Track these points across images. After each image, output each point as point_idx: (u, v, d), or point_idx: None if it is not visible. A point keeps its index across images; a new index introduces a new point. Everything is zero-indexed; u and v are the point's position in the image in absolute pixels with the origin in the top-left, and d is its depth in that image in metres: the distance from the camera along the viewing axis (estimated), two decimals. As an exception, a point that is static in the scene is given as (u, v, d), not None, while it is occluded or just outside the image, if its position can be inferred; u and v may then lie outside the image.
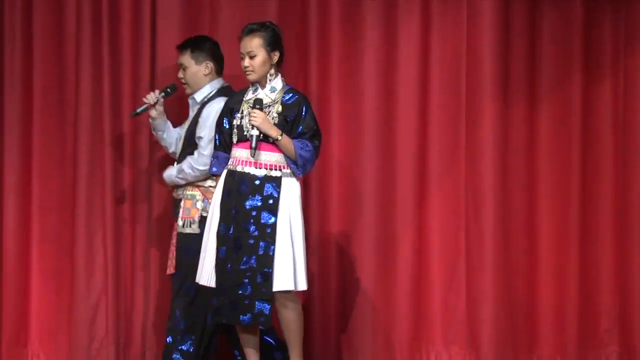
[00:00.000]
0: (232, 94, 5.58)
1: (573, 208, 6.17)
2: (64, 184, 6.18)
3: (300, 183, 5.48)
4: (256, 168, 5.38)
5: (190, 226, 5.66)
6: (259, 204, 5.35)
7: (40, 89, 6.14)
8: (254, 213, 5.33)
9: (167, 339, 5.71)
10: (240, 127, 5.41)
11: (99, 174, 6.14)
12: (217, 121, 5.55)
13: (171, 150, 5.90)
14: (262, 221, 5.33)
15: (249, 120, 5.36)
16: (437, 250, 6.15)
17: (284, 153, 5.36)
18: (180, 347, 5.67)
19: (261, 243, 5.31)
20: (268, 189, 5.36)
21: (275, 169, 5.39)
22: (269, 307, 5.31)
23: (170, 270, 5.71)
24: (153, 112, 5.79)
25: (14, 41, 6.09)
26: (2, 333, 6.08)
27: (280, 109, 5.40)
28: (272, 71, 5.44)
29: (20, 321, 6.13)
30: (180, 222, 5.68)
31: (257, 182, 5.36)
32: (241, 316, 5.33)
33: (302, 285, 5.38)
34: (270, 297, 5.31)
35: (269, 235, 5.31)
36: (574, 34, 6.18)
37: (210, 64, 5.77)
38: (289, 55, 5.72)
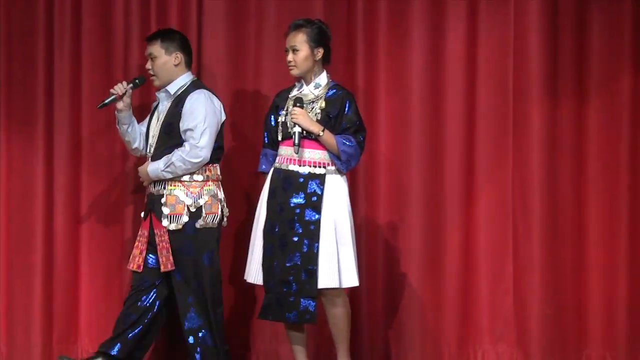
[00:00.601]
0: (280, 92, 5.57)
1: (622, 206, 6.08)
2: (112, 184, 6.22)
3: (346, 180, 5.48)
4: (300, 166, 5.40)
5: (179, 222, 5.56)
6: (303, 201, 5.37)
7: (89, 90, 6.18)
8: (297, 211, 5.35)
9: (189, 340, 5.58)
10: (284, 125, 5.44)
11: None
12: (265, 119, 5.59)
13: (134, 145, 5.78)
14: (306, 219, 5.34)
15: (290, 118, 5.38)
16: (485, 248, 6.10)
17: (327, 150, 5.36)
18: (205, 343, 5.59)
19: (305, 241, 5.33)
20: (312, 186, 5.38)
21: (319, 166, 5.40)
22: (314, 304, 5.33)
23: (168, 267, 5.55)
24: (120, 104, 5.66)
25: (63, 46, 6.15)
26: (53, 330, 6.14)
27: (323, 104, 5.41)
28: (317, 67, 5.45)
29: (70, 319, 6.19)
30: (166, 220, 5.54)
31: (301, 179, 5.38)
32: (287, 314, 5.37)
33: (350, 282, 5.39)
34: (315, 294, 5.33)
35: (312, 232, 5.32)
36: (623, 29, 6.09)
37: (180, 55, 5.66)
38: (336, 52, 5.74)
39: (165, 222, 5.54)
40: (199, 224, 5.55)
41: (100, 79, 6.21)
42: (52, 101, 6.20)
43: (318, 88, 5.46)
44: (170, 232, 5.54)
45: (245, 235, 5.86)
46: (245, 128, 6.20)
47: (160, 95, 5.69)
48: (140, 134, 5.76)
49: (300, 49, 5.41)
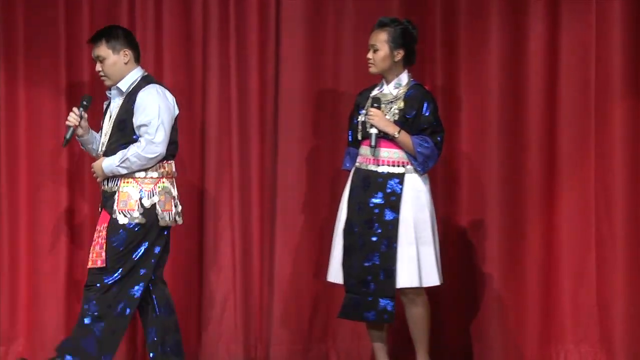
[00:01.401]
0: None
1: None
2: (193, 184, 6.28)
3: (427, 179, 5.49)
4: (379, 165, 5.44)
5: (129, 216, 5.48)
6: (382, 201, 5.40)
7: (172, 81, 6.18)
8: (376, 210, 5.38)
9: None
10: (364, 124, 5.49)
11: (226, 176, 6.24)
12: (349, 117, 5.62)
13: (95, 154, 5.71)
14: (385, 218, 5.38)
15: (367, 119, 5.40)
16: (567, 246, 6.04)
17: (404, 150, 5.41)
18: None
19: (384, 241, 5.37)
20: (390, 186, 5.41)
21: (398, 166, 5.42)
22: (392, 304, 5.37)
23: (97, 263, 5.45)
24: (80, 131, 5.60)
25: (146, 50, 6.17)
26: (137, 328, 6.08)
27: (401, 105, 5.44)
28: (397, 68, 5.46)
29: None
30: (116, 215, 5.46)
31: (380, 179, 5.42)
32: (365, 313, 5.42)
33: (431, 281, 5.43)
34: (394, 294, 5.37)
35: (391, 232, 5.37)
36: None
37: (129, 52, 5.58)
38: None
39: (118, 217, 5.44)
40: (151, 221, 5.48)
41: (181, 80, 6.26)
42: None
43: (398, 88, 5.48)
44: (111, 226, 5.45)
45: (328, 233, 5.90)
46: (325, 126, 6.23)
47: (112, 93, 5.62)
48: (95, 138, 5.72)
49: (380, 49, 5.42)
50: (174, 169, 5.60)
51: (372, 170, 5.43)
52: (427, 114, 5.40)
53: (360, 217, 5.43)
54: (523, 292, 6.08)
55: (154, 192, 5.51)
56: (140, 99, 5.52)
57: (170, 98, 5.60)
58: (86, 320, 5.42)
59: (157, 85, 5.60)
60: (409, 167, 5.43)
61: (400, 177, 5.40)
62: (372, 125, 5.38)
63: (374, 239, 5.37)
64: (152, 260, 5.51)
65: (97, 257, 5.47)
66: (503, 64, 6.09)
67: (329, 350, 6.20)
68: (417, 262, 5.37)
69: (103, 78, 5.60)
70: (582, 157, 6.05)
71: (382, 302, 5.37)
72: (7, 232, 6.29)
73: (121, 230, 5.43)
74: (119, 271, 5.43)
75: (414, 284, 5.36)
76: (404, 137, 5.36)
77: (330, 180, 6.22)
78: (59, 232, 6.28)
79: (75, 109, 5.60)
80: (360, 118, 5.50)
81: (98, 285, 5.41)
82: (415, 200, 5.42)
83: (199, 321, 6.22)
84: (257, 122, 6.29)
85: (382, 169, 5.42)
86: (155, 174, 5.53)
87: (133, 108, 5.51)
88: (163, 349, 5.54)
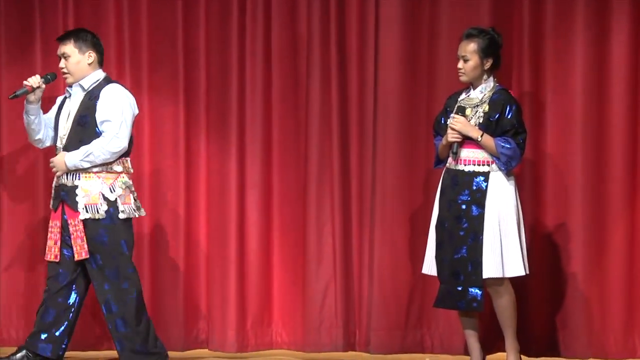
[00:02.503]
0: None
1: None
2: (298, 181, 6.36)
3: (512, 176, 5.50)
4: (466, 165, 5.49)
5: (97, 212, 5.50)
6: (468, 198, 5.45)
7: (279, 95, 6.35)
8: (464, 207, 5.44)
9: (109, 326, 5.54)
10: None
11: (327, 173, 6.30)
12: (436, 118, 5.62)
13: (37, 136, 5.69)
14: (472, 214, 5.42)
15: (450, 124, 5.45)
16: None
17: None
18: (120, 330, 5.56)
19: (471, 234, 5.41)
20: (476, 183, 5.46)
21: (483, 165, 5.47)
22: (481, 293, 5.41)
23: (82, 255, 5.49)
24: (32, 97, 5.57)
25: (256, 59, 6.34)
26: (247, 314, 6.32)
27: (486, 108, 5.47)
28: (485, 74, 5.50)
29: (264, 304, 6.36)
30: (82, 210, 5.46)
31: (467, 178, 5.47)
32: (457, 302, 5.49)
33: (514, 272, 5.44)
34: (481, 284, 5.40)
35: (477, 226, 5.40)
36: None
37: (93, 54, 5.60)
38: (503, 56, 5.68)
39: (81, 212, 5.46)
40: (114, 213, 5.50)
41: (288, 86, 6.35)
42: (244, 106, 6.33)
43: (483, 92, 5.51)
44: (86, 222, 5.47)
45: (422, 227, 5.98)
46: (419, 128, 6.23)
47: (73, 90, 5.60)
48: (45, 126, 5.68)
49: (470, 59, 5.47)
50: (130, 165, 5.65)
51: (459, 170, 5.49)
52: (509, 117, 5.42)
53: (450, 213, 5.48)
54: (607, 285, 6.04)
55: (115, 185, 5.53)
56: (104, 96, 5.52)
57: (132, 97, 5.64)
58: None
59: (120, 85, 5.64)
60: (494, 165, 5.45)
61: (486, 175, 5.44)
62: (453, 130, 5.41)
63: (462, 233, 5.42)
64: (125, 251, 5.55)
65: (81, 249, 5.49)
66: (588, 67, 6.05)
67: (423, 336, 6.24)
68: (500, 254, 5.38)
69: (65, 75, 5.59)
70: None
71: (471, 291, 5.42)
72: (148, 224, 6.34)
73: (100, 227, 5.46)
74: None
75: (498, 274, 5.38)
76: (487, 139, 5.41)
77: (425, 179, 6.21)
78: (177, 229, 6.33)
79: (37, 76, 5.61)
80: (449, 120, 5.51)
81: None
82: (500, 196, 5.43)
83: (303, 308, 6.30)
84: (356, 125, 6.31)
85: (468, 168, 5.47)
86: (117, 169, 5.56)
87: (95, 104, 5.51)
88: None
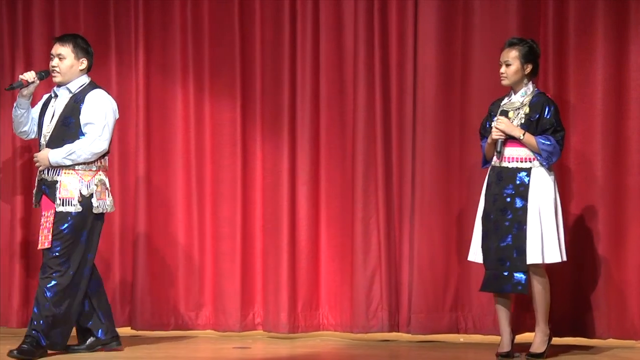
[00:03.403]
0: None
1: None
2: (344, 178, 6.59)
3: (552, 171, 5.70)
4: (510, 162, 5.71)
5: (70, 204, 5.58)
6: (513, 192, 5.67)
7: (326, 100, 6.61)
8: (508, 200, 5.68)
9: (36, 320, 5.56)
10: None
11: (372, 171, 6.52)
12: (482, 123, 5.81)
13: (23, 128, 5.76)
14: (516, 206, 5.65)
15: (494, 125, 5.69)
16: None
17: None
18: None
19: (515, 224, 5.64)
20: (520, 178, 5.67)
21: (526, 161, 5.68)
22: (525, 277, 5.62)
23: (45, 245, 5.58)
24: (25, 91, 5.65)
25: (306, 67, 6.60)
26: (297, 299, 6.56)
27: (527, 110, 5.69)
28: (525, 80, 5.71)
29: (312, 290, 6.61)
30: (58, 202, 5.56)
31: (511, 173, 5.69)
32: (503, 286, 5.69)
33: (553, 258, 5.65)
34: (526, 268, 5.61)
35: (520, 217, 5.62)
36: None
37: (86, 62, 5.71)
38: None
39: (58, 205, 5.55)
40: (87, 208, 5.62)
41: (334, 92, 6.57)
42: (295, 111, 6.59)
43: (524, 96, 5.72)
44: (58, 214, 5.56)
45: (457, 220, 6.34)
46: (454, 129, 6.44)
47: (60, 90, 5.68)
48: (31, 120, 5.77)
49: (512, 64, 5.68)
50: (107, 164, 5.79)
51: (504, 167, 5.69)
52: (548, 117, 5.63)
53: (495, 206, 5.67)
54: (626, 271, 6.21)
55: (92, 182, 5.65)
56: (89, 100, 5.63)
57: (114, 103, 5.78)
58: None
59: (104, 90, 5.75)
60: (535, 162, 5.64)
61: (528, 170, 5.63)
62: (499, 131, 5.60)
63: (507, 223, 5.63)
64: (95, 244, 5.66)
65: (45, 239, 5.60)
66: (607, 76, 6.23)
67: (458, 318, 6.46)
68: (541, 242, 5.58)
69: (55, 74, 5.66)
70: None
71: (516, 276, 5.61)
72: (209, 217, 6.63)
73: (68, 218, 5.57)
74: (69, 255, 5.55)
75: (538, 260, 5.58)
76: (529, 138, 5.62)
77: (459, 176, 6.43)
78: (235, 222, 6.64)
79: (33, 72, 5.72)
80: (493, 123, 5.71)
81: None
82: (541, 189, 5.62)
83: (351, 294, 6.51)
84: (397, 128, 6.54)
85: (512, 165, 5.66)
86: (94, 167, 5.66)
87: (80, 107, 5.61)
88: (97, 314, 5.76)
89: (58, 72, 5.69)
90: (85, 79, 5.77)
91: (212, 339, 6.56)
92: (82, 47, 5.76)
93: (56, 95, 5.76)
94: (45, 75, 5.74)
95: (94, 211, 5.67)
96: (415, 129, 6.53)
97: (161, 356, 5.95)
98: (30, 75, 5.70)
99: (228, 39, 6.65)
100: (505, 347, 5.80)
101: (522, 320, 6.27)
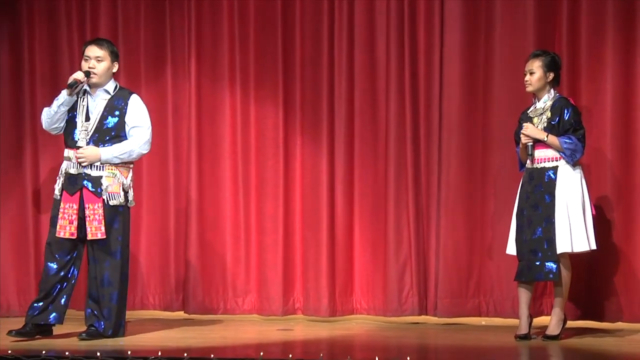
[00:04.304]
0: None
1: None
2: (377, 176, 6.86)
3: (578, 167, 5.91)
4: (538, 163, 6.00)
5: (116, 199, 5.75)
6: (542, 188, 5.94)
7: (359, 107, 6.88)
8: (538, 196, 5.95)
9: (102, 297, 5.71)
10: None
11: (403, 172, 6.79)
12: (515, 132, 6.03)
13: (60, 124, 5.81)
14: (545, 202, 5.91)
15: (521, 132, 5.96)
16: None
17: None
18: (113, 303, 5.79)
19: (545, 218, 5.90)
20: (547, 176, 5.94)
21: (552, 161, 5.96)
22: (556, 265, 5.86)
23: (97, 235, 5.72)
24: (77, 89, 5.75)
25: (342, 78, 6.91)
26: (335, 286, 6.90)
27: (549, 114, 5.97)
28: (547, 87, 5.99)
29: (347, 278, 6.93)
30: (105, 196, 5.71)
31: (540, 173, 5.97)
32: (536, 275, 5.91)
33: (580, 247, 5.86)
34: (556, 258, 5.85)
35: (549, 211, 5.87)
36: None
37: (117, 65, 5.87)
38: None
39: (106, 199, 5.70)
40: (126, 202, 5.85)
41: (367, 101, 6.85)
42: (332, 116, 6.90)
43: (546, 102, 5.98)
44: (106, 207, 5.72)
45: (479, 217, 6.65)
46: (477, 135, 6.69)
47: (97, 92, 5.78)
48: (64, 118, 5.83)
49: (536, 72, 5.97)
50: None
51: (535, 168, 5.96)
52: (567, 117, 5.87)
53: (527, 203, 5.91)
54: (634, 260, 6.40)
55: (128, 179, 5.85)
56: (133, 104, 5.79)
57: None
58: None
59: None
60: (561, 161, 5.88)
61: (554, 168, 5.88)
62: (526, 136, 5.87)
63: (537, 218, 5.88)
64: (126, 233, 5.81)
65: (96, 230, 5.73)
66: (616, 85, 6.48)
67: (480, 303, 6.75)
68: (569, 233, 5.80)
69: (93, 75, 5.76)
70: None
71: (548, 265, 5.83)
72: (254, 213, 6.90)
73: (119, 209, 5.76)
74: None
75: (567, 249, 5.81)
76: (552, 139, 5.88)
77: (481, 177, 6.70)
78: (277, 218, 6.92)
79: (81, 72, 5.78)
80: (523, 130, 5.97)
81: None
82: (568, 185, 5.86)
83: (384, 282, 6.82)
84: (425, 132, 6.82)
85: (541, 165, 5.92)
86: (130, 165, 5.87)
87: (122, 109, 5.74)
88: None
89: (95, 74, 5.79)
90: (114, 82, 5.91)
91: (257, 322, 6.86)
92: (115, 52, 5.92)
93: (91, 96, 5.82)
94: (87, 75, 5.80)
95: (129, 205, 5.91)
96: (441, 134, 6.82)
97: (213, 337, 6.21)
98: (81, 75, 5.79)
99: (272, 52, 6.95)
100: (523, 330, 6.00)
101: (538, 305, 6.59)
